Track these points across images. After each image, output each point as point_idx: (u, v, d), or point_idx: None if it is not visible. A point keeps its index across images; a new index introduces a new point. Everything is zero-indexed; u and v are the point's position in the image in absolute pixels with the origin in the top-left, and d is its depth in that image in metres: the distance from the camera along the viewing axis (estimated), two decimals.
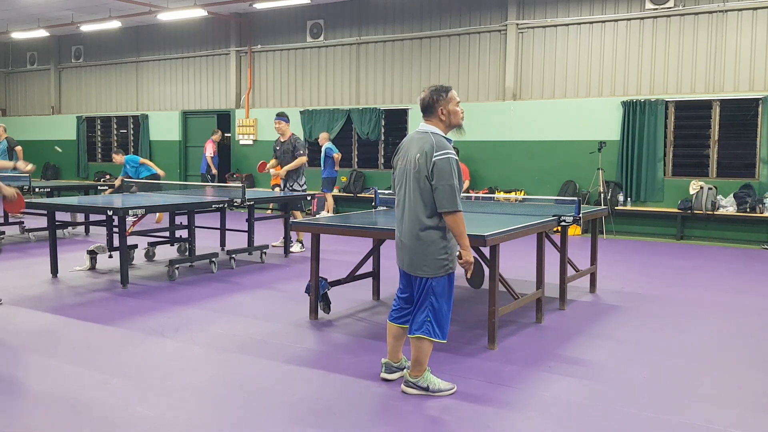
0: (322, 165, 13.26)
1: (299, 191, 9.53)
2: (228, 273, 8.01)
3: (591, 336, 5.50)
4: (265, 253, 8.91)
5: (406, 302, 4.25)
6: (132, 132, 18.37)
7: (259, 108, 16.06)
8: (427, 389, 4.12)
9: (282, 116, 9.51)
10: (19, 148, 12.73)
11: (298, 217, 9.43)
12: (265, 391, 4.19)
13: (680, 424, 3.74)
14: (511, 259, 7.94)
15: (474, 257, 4.07)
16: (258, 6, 14.52)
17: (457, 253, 4.02)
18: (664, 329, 5.72)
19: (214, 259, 8.06)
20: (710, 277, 8.17)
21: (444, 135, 4.08)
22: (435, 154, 3.91)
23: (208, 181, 14.64)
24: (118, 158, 12.29)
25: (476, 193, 12.55)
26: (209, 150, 14.91)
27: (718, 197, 11.09)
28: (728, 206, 11.00)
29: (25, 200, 7.89)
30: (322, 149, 13.36)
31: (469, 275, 4.07)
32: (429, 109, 4.09)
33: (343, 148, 14.72)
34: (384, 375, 4.37)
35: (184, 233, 8.70)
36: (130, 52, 18.10)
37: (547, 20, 12.55)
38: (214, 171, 14.92)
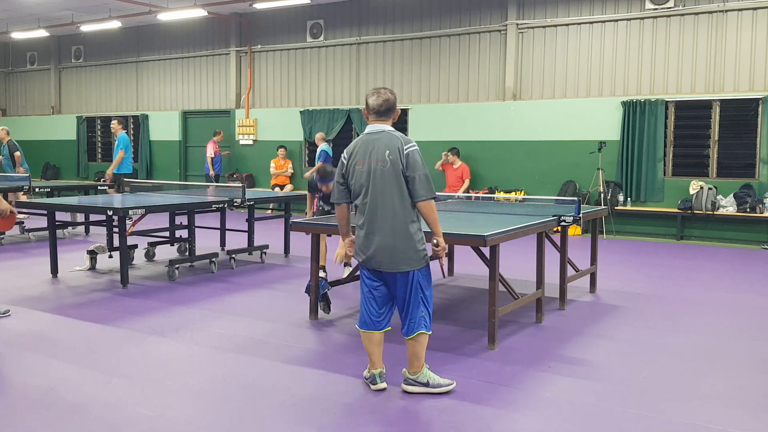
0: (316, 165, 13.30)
1: None
2: (228, 273, 8.00)
3: (591, 336, 5.50)
4: (265, 253, 8.91)
5: (381, 306, 4.19)
6: (132, 132, 18.36)
7: (259, 108, 16.06)
8: (427, 384, 4.14)
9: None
10: (18, 154, 12.41)
11: None
12: (265, 391, 4.19)
13: (680, 424, 3.74)
14: (511, 259, 7.93)
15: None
16: (258, 6, 14.52)
17: (435, 241, 4.08)
18: (664, 329, 5.72)
19: (214, 259, 8.06)
20: (710, 277, 8.17)
21: None
22: (405, 147, 4.02)
23: (211, 182, 14.58)
24: (118, 127, 11.72)
25: (476, 193, 12.55)
26: (210, 151, 14.89)
27: (718, 197, 11.09)
28: (728, 206, 11.00)
29: (26, 200, 7.93)
30: (318, 150, 13.36)
31: (443, 260, 4.16)
32: (392, 109, 4.21)
33: (343, 149, 14.70)
34: (382, 385, 4.21)
35: (184, 233, 8.70)
36: (130, 52, 18.09)
37: (547, 20, 12.55)
38: (212, 173, 14.83)
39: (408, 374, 4.18)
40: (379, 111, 4.18)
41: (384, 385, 4.20)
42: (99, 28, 16.92)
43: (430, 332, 4.16)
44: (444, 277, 4.33)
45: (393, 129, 4.18)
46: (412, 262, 4.04)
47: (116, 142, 11.80)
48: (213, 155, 14.85)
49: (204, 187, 11.70)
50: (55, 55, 19.63)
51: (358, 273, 6.33)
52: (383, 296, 4.20)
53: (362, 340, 4.28)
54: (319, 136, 13.65)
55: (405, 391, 4.16)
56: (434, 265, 4.36)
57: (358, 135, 14.42)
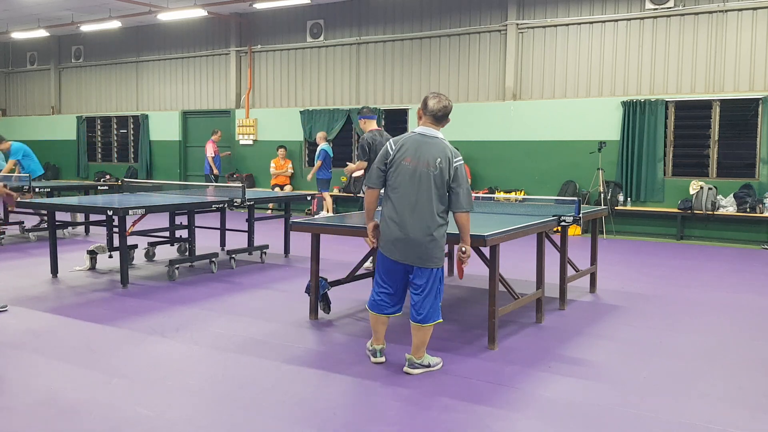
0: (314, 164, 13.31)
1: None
2: (228, 273, 8.00)
3: (591, 336, 5.50)
4: (265, 253, 8.91)
5: (397, 294, 4.53)
6: (132, 132, 18.37)
7: (259, 108, 16.06)
8: (429, 366, 4.55)
9: (362, 114, 8.11)
10: None
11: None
12: (265, 391, 4.19)
13: (680, 424, 3.74)
14: (511, 259, 7.93)
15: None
16: (258, 6, 14.52)
17: (464, 249, 4.43)
18: (664, 329, 5.72)
19: (214, 259, 8.06)
20: (710, 277, 8.17)
21: None
22: (455, 161, 4.33)
23: (211, 182, 14.58)
24: (5, 143, 11.01)
25: (476, 193, 12.54)
26: (209, 150, 14.89)
27: (718, 197, 11.09)
28: (728, 206, 11.00)
29: (26, 200, 7.91)
30: (318, 149, 13.36)
31: (466, 264, 4.46)
32: (446, 117, 4.43)
33: (342, 148, 14.73)
34: (380, 359, 4.67)
35: (184, 233, 8.70)
36: (130, 52, 18.10)
37: (547, 20, 12.55)
38: (216, 171, 14.86)
39: (414, 359, 4.51)
40: (437, 116, 4.39)
41: (383, 359, 4.65)
42: (99, 28, 16.92)
43: (441, 321, 4.55)
44: (461, 278, 4.64)
45: (443, 138, 4.44)
46: (436, 260, 4.38)
47: (9, 153, 11.21)
48: (213, 155, 14.85)
49: (204, 187, 11.70)
50: (55, 55, 19.63)
51: (359, 273, 6.37)
52: (398, 285, 4.51)
53: (370, 318, 4.67)
54: (320, 135, 13.65)
55: (408, 374, 4.47)
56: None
57: (357, 135, 14.59)
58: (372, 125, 8.10)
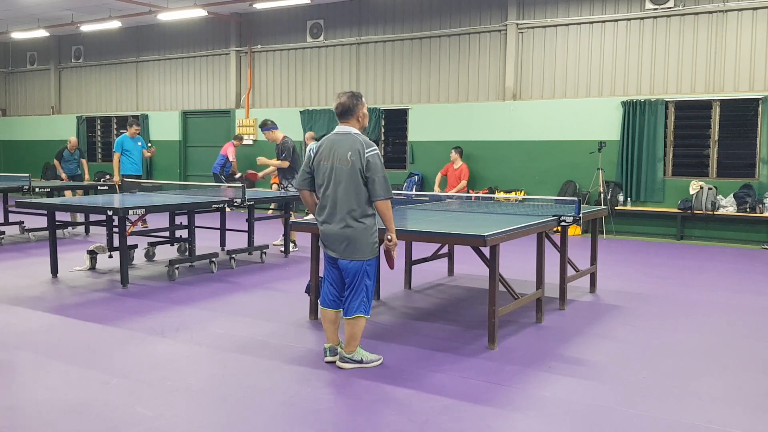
0: None
1: (293, 192, 9.59)
2: (228, 273, 8.00)
3: (591, 336, 5.50)
4: (265, 253, 8.91)
5: (337, 288, 4.67)
6: None
7: (259, 108, 16.05)
8: (361, 362, 4.60)
9: (265, 126, 9.55)
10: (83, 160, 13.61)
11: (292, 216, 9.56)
12: (265, 391, 4.19)
13: (680, 424, 3.74)
14: (511, 259, 7.93)
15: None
16: (258, 6, 14.51)
17: (388, 236, 4.52)
18: (664, 329, 5.72)
19: (214, 259, 8.06)
20: (710, 277, 8.17)
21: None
22: (366, 152, 4.43)
23: (221, 182, 14.72)
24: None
25: (476, 193, 12.55)
26: (231, 155, 15.08)
27: (718, 197, 11.09)
28: (728, 206, 11.00)
29: (25, 201, 7.93)
30: (307, 149, 13.39)
31: (394, 254, 4.58)
32: (349, 112, 4.57)
33: None
34: (330, 358, 4.70)
35: (184, 233, 8.70)
36: (130, 52, 18.09)
37: (547, 20, 12.55)
38: (238, 173, 14.99)
39: (344, 353, 4.60)
40: (338, 114, 4.60)
41: (330, 358, 4.69)
42: (99, 28, 16.92)
43: (368, 316, 4.60)
44: (392, 269, 4.66)
45: (358, 132, 4.56)
46: (362, 253, 4.47)
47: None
48: (233, 158, 15.09)
49: (204, 188, 11.69)
50: (55, 55, 19.63)
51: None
52: (337, 279, 4.66)
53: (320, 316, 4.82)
54: (309, 135, 13.65)
55: (340, 368, 4.56)
56: (383, 259, 4.97)
57: None
58: (280, 133, 9.59)
